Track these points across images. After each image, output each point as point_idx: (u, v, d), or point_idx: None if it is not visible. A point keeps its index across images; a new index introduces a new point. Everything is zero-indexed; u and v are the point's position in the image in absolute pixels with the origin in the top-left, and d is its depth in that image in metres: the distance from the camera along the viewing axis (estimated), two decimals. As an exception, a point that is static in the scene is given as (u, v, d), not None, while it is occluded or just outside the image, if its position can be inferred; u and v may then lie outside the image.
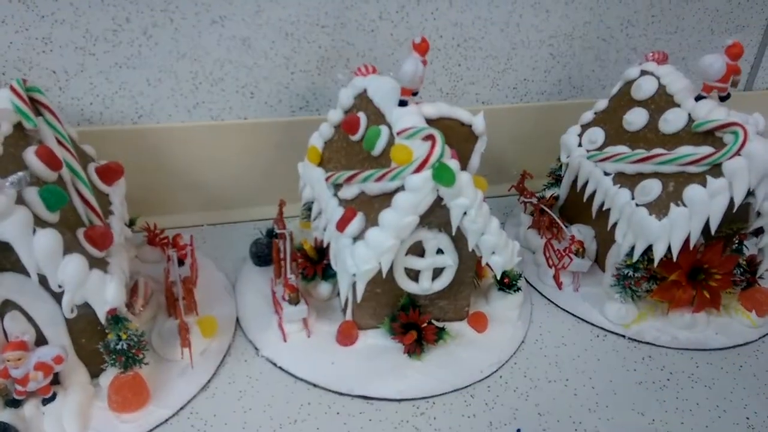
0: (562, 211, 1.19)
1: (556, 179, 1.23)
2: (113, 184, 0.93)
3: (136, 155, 1.09)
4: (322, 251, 0.98)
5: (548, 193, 1.21)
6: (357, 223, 0.82)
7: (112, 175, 0.92)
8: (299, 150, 1.10)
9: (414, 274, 0.88)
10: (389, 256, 0.79)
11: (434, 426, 0.79)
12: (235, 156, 1.18)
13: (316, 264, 0.97)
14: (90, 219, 0.81)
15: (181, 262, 1.00)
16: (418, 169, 0.76)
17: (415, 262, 0.85)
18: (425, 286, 0.88)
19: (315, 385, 0.85)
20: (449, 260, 0.87)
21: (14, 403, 0.75)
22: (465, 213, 0.80)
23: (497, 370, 0.88)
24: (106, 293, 0.73)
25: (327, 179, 0.95)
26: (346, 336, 0.90)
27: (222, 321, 0.91)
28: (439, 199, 0.79)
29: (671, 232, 0.90)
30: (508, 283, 0.97)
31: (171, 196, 1.17)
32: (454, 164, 0.76)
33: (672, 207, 0.91)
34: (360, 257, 0.79)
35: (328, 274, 0.97)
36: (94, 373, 0.81)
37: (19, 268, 0.69)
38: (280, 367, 0.88)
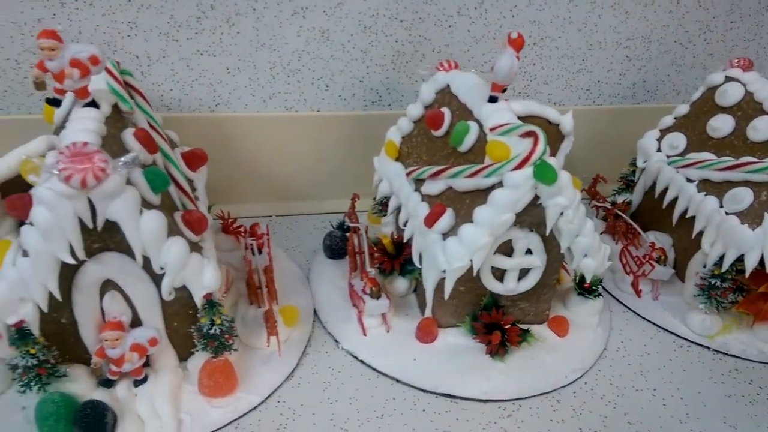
0: (634, 217, 1.16)
1: (627, 184, 1.21)
2: (198, 170, 0.93)
3: (210, 143, 1.09)
4: (400, 246, 0.97)
5: (619, 199, 1.19)
6: (446, 219, 0.81)
7: (197, 161, 0.92)
8: (371, 144, 1.10)
9: (499, 274, 0.86)
10: (482, 254, 0.78)
11: (523, 429, 0.78)
12: (306, 148, 1.18)
13: (394, 259, 0.96)
14: (183, 203, 0.81)
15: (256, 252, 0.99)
16: (519, 166, 0.75)
17: (503, 262, 0.84)
18: (510, 286, 0.87)
19: (398, 381, 0.84)
20: (537, 261, 0.85)
21: (107, 384, 0.76)
22: (562, 213, 0.78)
23: (582, 377, 0.87)
24: (203, 277, 0.73)
25: (408, 174, 0.94)
26: (426, 333, 0.89)
27: (301, 311, 0.90)
28: (536, 198, 0.78)
29: (765, 242, 0.87)
30: (588, 288, 0.95)
31: (241, 185, 1.17)
32: (554, 162, 0.75)
33: (766, 216, 0.88)
34: (452, 254, 0.78)
35: (406, 269, 0.96)
36: (182, 357, 0.81)
37: (123, 248, 0.69)
38: (361, 361, 0.87)
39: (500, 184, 0.77)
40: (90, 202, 0.63)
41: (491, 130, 0.80)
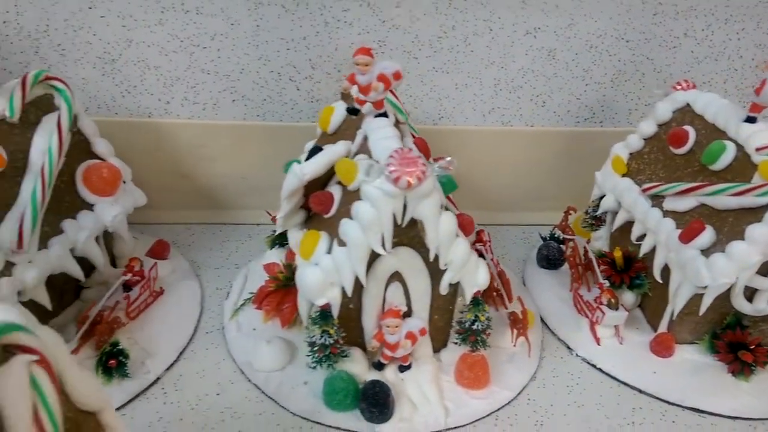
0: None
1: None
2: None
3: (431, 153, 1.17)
4: (629, 260, 0.98)
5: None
6: (707, 235, 0.83)
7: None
8: (581, 159, 1.13)
9: (749, 294, 0.86)
10: (750, 273, 0.79)
11: (782, 450, 0.77)
12: (517, 161, 1.22)
13: (623, 272, 0.98)
14: (447, 206, 0.88)
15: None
16: (797, 187, 0.75)
17: (761, 282, 0.84)
18: (760, 306, 0.86)
19: (641, 391, 0.86)
20: (793, 283, 0.84)
21: (379, 367, 0.83)
22: (834, 236, 0.77)
23: (837, 404, 0.84)
24: (478, 276, 0.79)
25: (645, 190, 0.96)
26: (665, 347, 0.90)
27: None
28: (805, 218, 0.78)
29: None
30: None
31: (456, 195, 1.24)
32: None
33: None
34: (718, 270, 0.79)
35: (635, 283, 0.98)
36: (435, 349, 0.87)
37: (414, 244, 0.76)
38: (599, 369, 0.89)
39: (772, 204, 0.77)
40: (404, 201, 0.70)
41: (758, 150, 0.81)
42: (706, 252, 0.82)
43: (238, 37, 1.04)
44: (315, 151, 0.85)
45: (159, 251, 1.02)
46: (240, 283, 1.00)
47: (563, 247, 1.10)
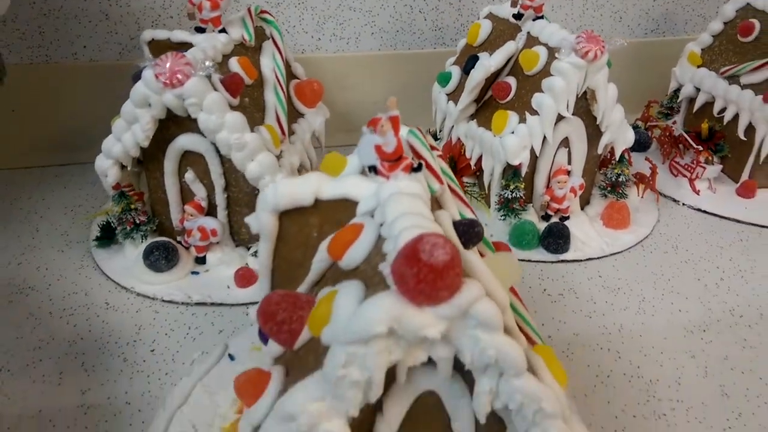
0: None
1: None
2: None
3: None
4: (711, 131, 1.24)
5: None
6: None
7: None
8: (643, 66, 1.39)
9: (814, 140, 1.13)
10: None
11: None
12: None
13: (707, 141, 1.24)
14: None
15: None
16: None
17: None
18: (824, 148, 1.13)
19: (738, 221, 1.13)
20: None
21: (546, 218, 1.08)
22: None
23: None
24: (627, 136, 1.04)
25: (722, 73, 1.22)
26: (749, 190, 1.19)
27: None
28: None
29: None
30: None
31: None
32: None
33: None
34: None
35: (717, 148, 1.24)
36: (581, 206, 1.12)
37: (581, 113, 1.00)
38: (704, 211, 1.16)
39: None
40: (585, 72, 0.94)
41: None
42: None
43: (382, -25, 1.25)
44: (473, 59, 1.08)
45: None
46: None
47: (649, 132, 1.36)
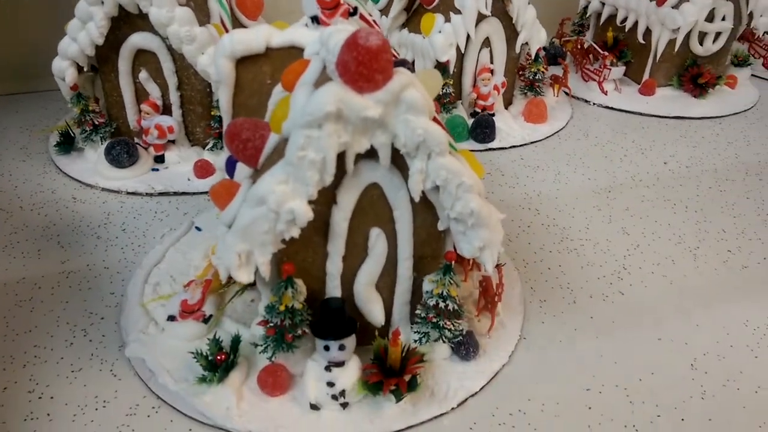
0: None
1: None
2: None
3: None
4: (616, 40, 1.40)
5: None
6: (674, -3, 1.24)
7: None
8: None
9: (701, 39, 1.30)
10: (703, 14, 1.21)
11: None
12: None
13: (612, 49, 1.39)
14: None
15: None
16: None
17: (708, 27, 1.27)
18: (708, 47, 1.30)
19: (642, 114, 1.29)
20: None
21: (474, 114, 1.20)
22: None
23: None
24: (540, 35, 1.17)
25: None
26: (649, 88, 1.34)
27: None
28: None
29: None
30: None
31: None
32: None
33: None
34: (686, 13, 1.21)
35: (621, 54, 1.39)
36: (504, 105, 1.25)
37: (499, 15, 1.12)
38: (611, 108, 1.31)
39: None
40: (498, -24, 1.06)
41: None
42: (675, 7, 1.24)
43: None
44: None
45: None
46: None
47: (563, 47, 1.50)
